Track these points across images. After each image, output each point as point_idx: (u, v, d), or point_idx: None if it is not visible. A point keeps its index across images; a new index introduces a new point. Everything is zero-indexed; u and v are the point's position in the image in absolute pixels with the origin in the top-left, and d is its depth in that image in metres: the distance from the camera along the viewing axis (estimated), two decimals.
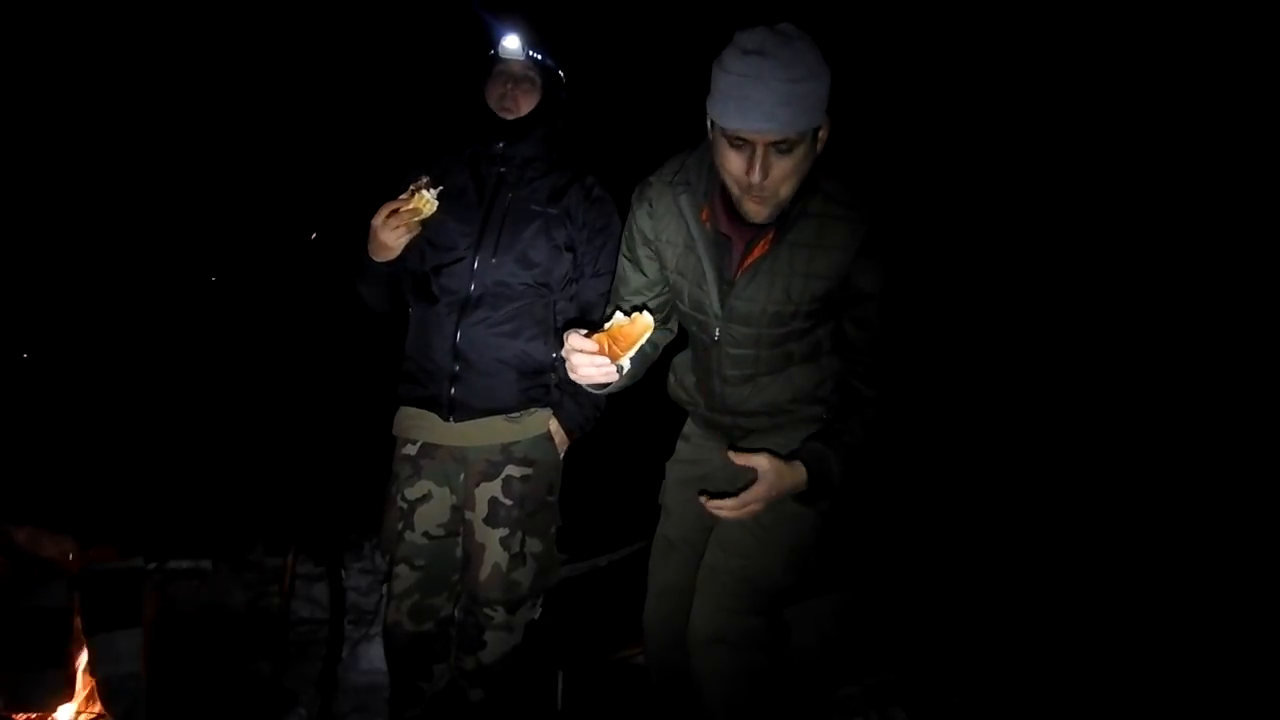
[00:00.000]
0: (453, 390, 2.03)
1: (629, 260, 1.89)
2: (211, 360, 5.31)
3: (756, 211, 1.63)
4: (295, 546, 3.05)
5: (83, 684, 1.97)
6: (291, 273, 5.64)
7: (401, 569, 2.09)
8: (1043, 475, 3.91)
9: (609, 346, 1.56)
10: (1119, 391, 4.49)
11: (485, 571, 2.03)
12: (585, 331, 1.59)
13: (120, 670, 1.98)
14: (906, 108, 5.47)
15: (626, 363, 1.58)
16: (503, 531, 2.04)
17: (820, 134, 1.59)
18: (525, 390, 2.05)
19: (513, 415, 2.05)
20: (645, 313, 1.58)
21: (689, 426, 2.06)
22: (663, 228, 1.80)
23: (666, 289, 1.87)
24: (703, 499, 1.66)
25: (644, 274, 1.87)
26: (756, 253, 1.68)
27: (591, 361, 1.56)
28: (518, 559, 2.04)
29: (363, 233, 2.01)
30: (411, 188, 1.95)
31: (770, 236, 1.66)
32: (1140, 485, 3.71)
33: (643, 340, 1.57)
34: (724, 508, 1.64)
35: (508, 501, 2.04)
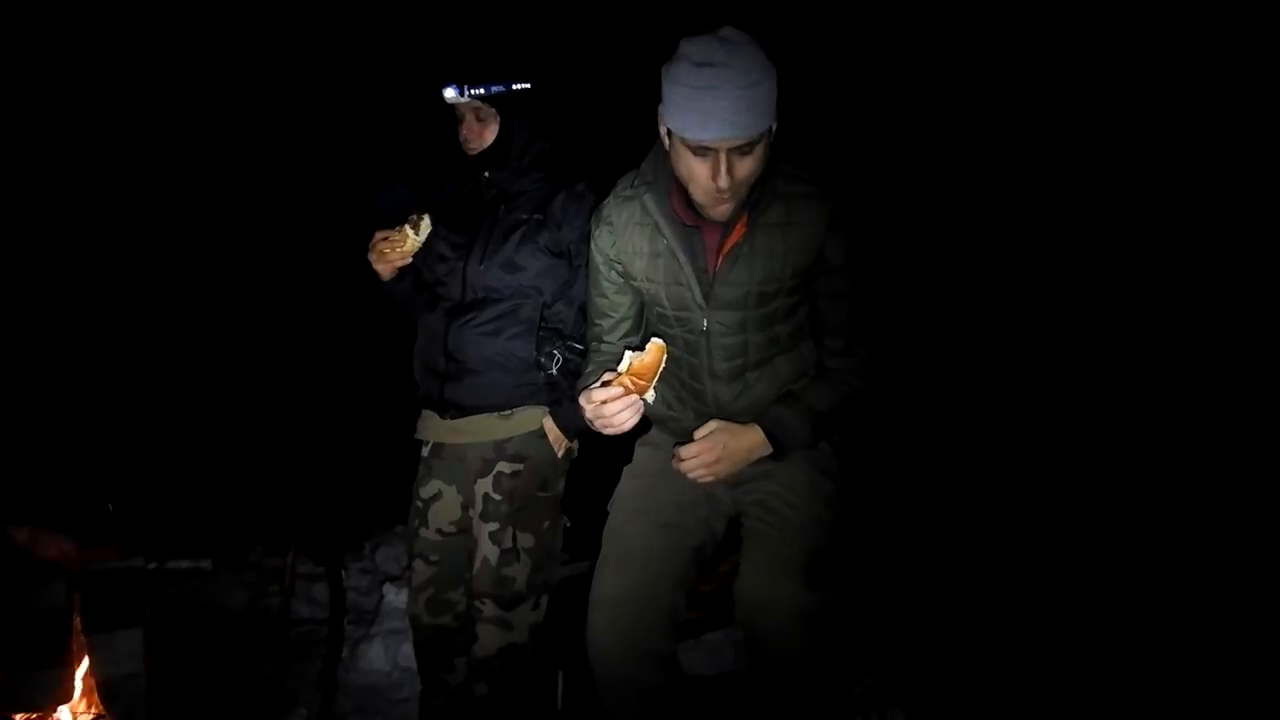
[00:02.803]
0: (444, 389, 2.14)
1: (598, 292, 1.93)
2: (211, 360, 5.31)
3: (721, 212, 1.70)
4: (295, 546, 3.05)
5: (83, 684, 1.96)
6: (291, 274, 5.64)
7: (418, 563, 2.23)
8: (1042, 475, 3.91)
9: (633, 383, 1.61)
10: (1118, 390, 4.49)
11: (477, 565, 2.12)
12: (601, 381, 1.65)
13: (120, 670, 1.97)
14: (901, 103, 5.47)
15: (653, 393, 1.64)
16: (493, 526, 2.10)
17: (772, 129, 1.66)
18: (513, 388, 2.12)
19: (503, 412, 2.12)
20: (655, 338, 1.67)
21: (655, 434, 2.02)
22: (625, 240, 1.85)
23: (639, 303, 1.92)
24: (674, 456, 1.78)
25: (614, 298, 1.91)
26: (734, 238, 1.73)
27: (624, 405, 1.62)
28: (509, 554, 2.09)
29: (359, 242, 2.17)
30: (404, 225, 2.11)
31: (744, 220, 1.72)
32: (1140, 485, 3.72)
33: (663, 364, 1.64)
34: (683, 458, 1.74)
35: (497, 497, 2.11)
